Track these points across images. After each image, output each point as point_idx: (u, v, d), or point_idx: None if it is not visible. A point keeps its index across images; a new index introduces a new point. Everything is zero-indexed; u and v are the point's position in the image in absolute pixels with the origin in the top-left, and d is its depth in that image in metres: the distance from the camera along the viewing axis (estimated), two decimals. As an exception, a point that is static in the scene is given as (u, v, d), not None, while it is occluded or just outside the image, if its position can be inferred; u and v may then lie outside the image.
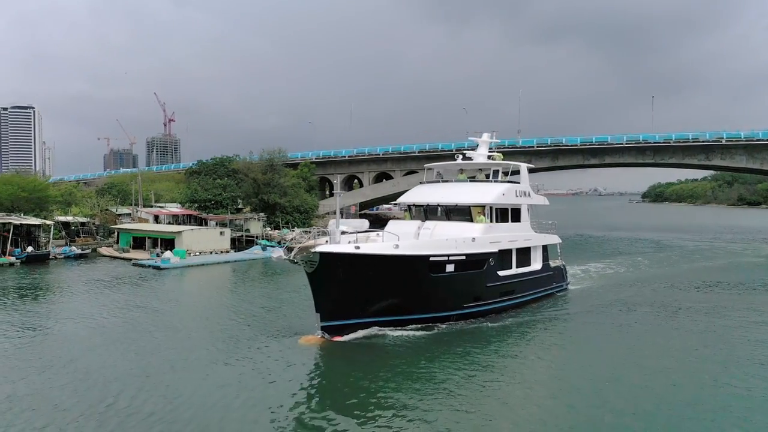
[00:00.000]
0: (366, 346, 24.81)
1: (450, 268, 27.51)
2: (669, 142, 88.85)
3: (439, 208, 32.33)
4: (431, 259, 26.71)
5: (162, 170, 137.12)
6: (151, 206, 79.83)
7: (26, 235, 57.77)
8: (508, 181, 34.93)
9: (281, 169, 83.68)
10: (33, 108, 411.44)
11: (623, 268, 51.59)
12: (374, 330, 26.16)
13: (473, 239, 29.05)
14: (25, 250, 54.46)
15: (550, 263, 37.08)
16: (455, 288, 28.19)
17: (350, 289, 24.93)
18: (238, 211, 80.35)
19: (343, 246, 24.94)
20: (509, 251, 32.16)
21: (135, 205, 78.97)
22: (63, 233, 64.13)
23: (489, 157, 37.29)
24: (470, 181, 35.62)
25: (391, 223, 34.13)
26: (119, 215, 74.21)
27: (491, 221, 31.52)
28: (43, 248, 56.79)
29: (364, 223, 32.48)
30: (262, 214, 77.19)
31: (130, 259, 54.96)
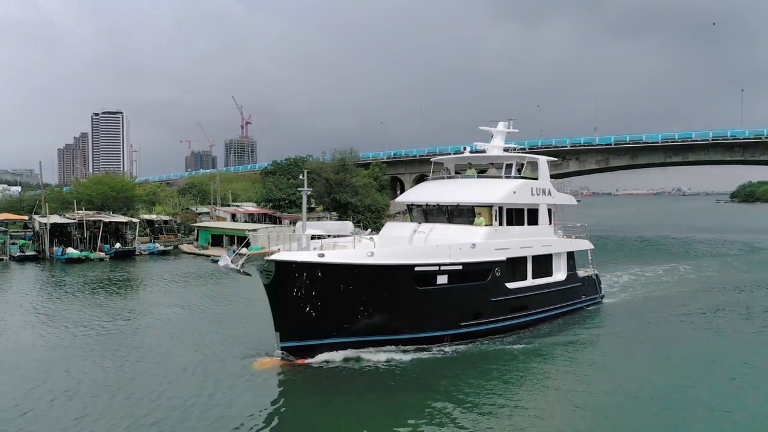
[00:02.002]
0: (336, 372, 20.84)
1: (442, 279, 23.09)
2: (760, 138, 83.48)
3: (439, 209, 27.77)
4: (417, 269, 22.38)
5: (239, 171, 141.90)
6: (229, 205, 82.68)
7: (114, 232, 61.20)
8: (523, 177, 29.35)
9: (353, 169, 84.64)
10: (121, 113, 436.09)
11: (689, 275, 45.70)
12: (350, 352, 21.99)
13: (473, 245, 24.27)
14: (113, 246, 57.60)
15: (578, 273, 31.43)
16: (449, 303, 23.66)
17: (315, 304, 21.13)
18: (311, 210, 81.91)
19: (304, 253, 21.16)
20: (522, 259, 27.11)
21: (213, 204, 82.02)
22: (147, 231, 67.43)
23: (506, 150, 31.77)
24: (478, 177, 30.27)
25: (388, 225, 30.12)
26: (199, 214, 77.26)
27: (499, 224, 26.61)
28: (130, 245, 59.87)
29: (347, 226, 28.57)
30: (334, 213, 78.33)
31: (209, 256, 57.04)
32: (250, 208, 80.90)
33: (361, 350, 22.15)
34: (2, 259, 54.07)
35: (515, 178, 29.02)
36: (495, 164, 31.33)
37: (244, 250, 23.57)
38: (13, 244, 56.75)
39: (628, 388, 19.39)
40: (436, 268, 22.93)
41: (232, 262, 21.47)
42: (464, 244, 24.12)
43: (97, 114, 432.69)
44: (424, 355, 22.62)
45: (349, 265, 21.27)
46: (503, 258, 25.49)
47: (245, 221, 73.33)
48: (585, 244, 33.06)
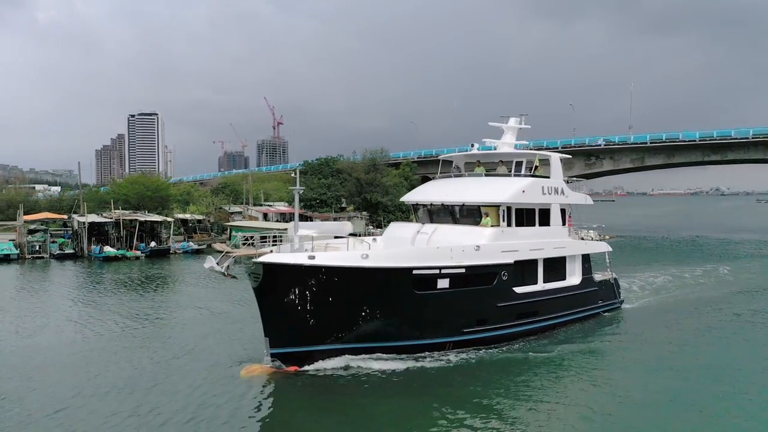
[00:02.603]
0: (328, 380, 19.81)
1: (443, 283, 21.94)
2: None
3: (444, 209, 26.55)
4: (415, 272, 21.29)
5: (271, 171, 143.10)
6: (261, 205, 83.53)
7: (150, 231, 62.38)
8: (533, 176, 27.70)
9: (383, 169, 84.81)
10: (156, 114, 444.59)
11: (728, 276, 43.69)
12: (344, 360, 20.92)
13: (477, 247, 23.08)
14: (149, 245, 58.72)
15: (595, 276, 29.87)
16: (451, 309, 22.45)
17: (307, 309, 20.22)
18: (342, 210, 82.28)
19: (293, 255, 20.18)
20: (532, 262, 25.76)
21: (246, 203, 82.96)
22: (182, 230, 68.57)
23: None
24: (486, 175, 28.60)
25: (392, 225, 29.24)
26: (231, 213, 78.24)
27: (507, 224, 25.24)
28: (165, 243, 60.96)
29: (344, 226, 27.20)
30: (364, 212, 78.56)
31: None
32: (282, 207, 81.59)
33: (357, 357, 21.06)
34: (43, 257, 55.60)
35: (525, 176, 27.50)
36: (505, 162, 29.42)
37: (239, 249, 22.26)
38: (54, 242, 58.33)
39: (642, 401, 18.03)
40: (437, 271, 21.81)
41: (218, 263, 20.45)
42: (467, 246, 22.94)
43: (133, 115, 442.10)
44: (425, 363, 21.48)
45: (341, 268, 20.19)
46: (510, 261, 24.17)
47: (277, 220, 73.97)
48: (602, 246, 31.70)
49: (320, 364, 20.68)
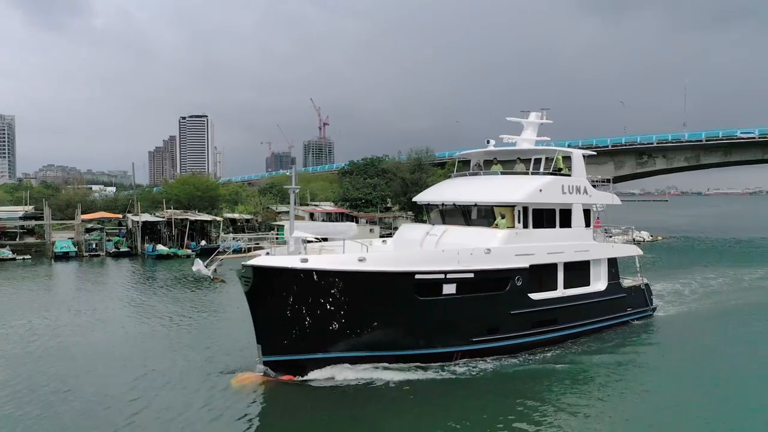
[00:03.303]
0: (324, 391, 18.75)
1: (449, 289, 20.64)
2: None
3: (456, 209, 25.04)
4: (417, 277, 20.01)
5: (317, 171, 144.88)
6: (307, 205, 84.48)
7: (200, 230, 63.99)
8: (552, 173, 25.69)
9: (429, 168, 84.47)
10: (206, 116, 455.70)
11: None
12: (342, 369, 19.73)
13: (487, 251, 21.61)
14: (199, 243, 60.22)
15: (623, 282, 28.06)
16: (458, 316, 21.13)
17: (301, 315, 19.23)
18: (387, 209, 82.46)
19: (285, 258, 19.25)
20: (551, 267, 24.07)
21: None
22: (230, 229, 70.00)
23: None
24: (502, 173, 26.86)
25: (403, 226, 27.90)
26: (278, 213, 79.38)
27: (524, 226, 23.63)
28: (214, 242, 62.38)
29: (350, 228, 25.59)
30: (410, 212, 78.50)
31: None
32: (328, 207, 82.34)
33: (356, 367, 19.90)
34: (99, 255, 57.72)
35: (544, 174, 25.54)
36: (523, 160, 27.54)
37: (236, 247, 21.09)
38: (109, 240, 60.54)
39: (671, 421, 16.66)
40: (442, 276, 20.45)
41: (206, 266, 19.65)
42: (476, 249, 21.48)
43: (184, 118, 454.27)
44: (430, 373, 20.20)
45: (335, 272, 19.03)
46: (525, 265, 22.54)
47: (323, 220, 74.69)
48: (631, 250, 29.47)
49: (316, 374, 19.61)
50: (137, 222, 60.41)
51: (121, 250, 58.98)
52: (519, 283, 22.43)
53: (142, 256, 57.52)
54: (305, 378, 19.54)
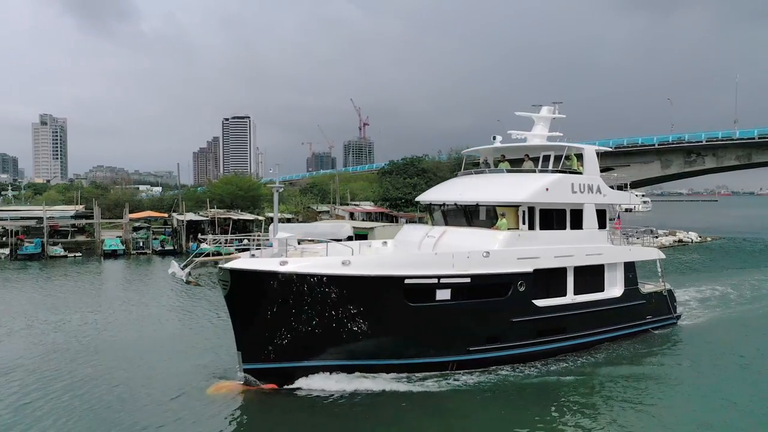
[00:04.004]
0: (308, 401, 17.80)
1: (443, 294, 19.37)
2: None
3: (458, 210, 23.69)
4: (407, 282, 18.81)
5: (357, 171, 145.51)
6: (348, 204, 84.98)
7: (242, 228, 65.02)
8: (561, 171, 24.08)
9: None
10: (249, 117, 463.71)
11: None
12: (330, 378, 18.77)
13: (486, 254, 20.24)
14: (241, 242, 61.14)
15: (642, 288, 26.22)
16: (453, 324, 19.83)
17: (281, 321, 18.26)
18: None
19: (263, 261, 18.29)
20: (559, 271, 22.47)
21: (333, 203, 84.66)
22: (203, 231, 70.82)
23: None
24: (508, 171, 25.14)
25: (405, 227, 26.59)
26: (319, 212, 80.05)
27: (529, 227, 22.21)
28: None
29: (343, 228, 24.22)
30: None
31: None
32: (368, 206, 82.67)
33: (343, 376, 18.88)
34: (146, 253, 59.35)
35: (553, 172, 23.95)
36: (533, 157, 25.94)
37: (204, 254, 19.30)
38: (155, 239, 62.19)
39: None
40: (434, 280, 19.21)
41: (182, 268, 18.61)
42: (474, 252, 20.13)
43: (227, 119, 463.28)
44: (422, 384, 18.97)
45: (315, 275, 17.97)
46: (529, 269, 21.10)
47: (363, 220, 74.98)
48: (652, 253, 27.33)
49: (299, 383, 18.66)
50: (182, 221, 61.87)
51: (166, 248, 60.49)
52: (522, 289, 20.96)
53: (187, 254, 58.80)
54: (288, 387, 18.57)
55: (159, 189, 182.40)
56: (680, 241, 73.68)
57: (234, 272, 17.63)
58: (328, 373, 18.92)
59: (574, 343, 22.67)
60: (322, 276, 18.06)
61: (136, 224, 64.50)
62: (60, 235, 61.84)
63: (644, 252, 27.00)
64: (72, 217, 65.59)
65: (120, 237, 61.21)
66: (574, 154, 25.06)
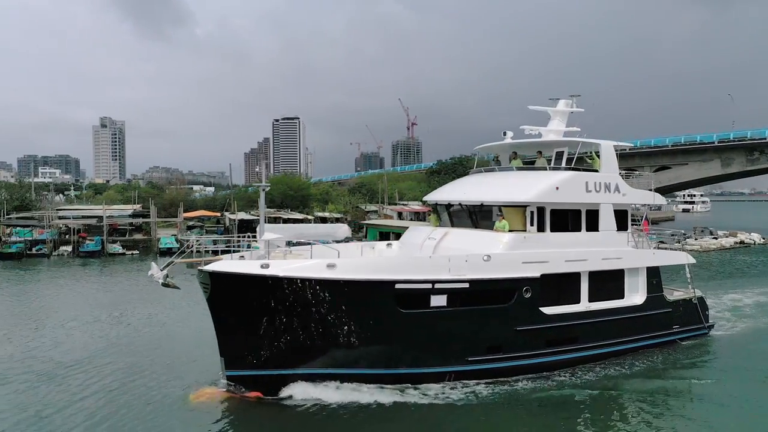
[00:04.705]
0: (291, 411, 16.92)
1: (438, 300, 18.16)
2: None
3: (462, 210, 22.54)
4: (398, 287, 17.68)
5: (405, 170, 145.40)
6: (396, 204, 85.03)
7: (292, 228, 66.06)
8: (574, 169, 22.48)
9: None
10: (298, 118, 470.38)
11: None
12: (318, 387, 17.75)
13: (486, 257, 18.94)
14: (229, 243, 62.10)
15: (668, 295, 24.40)
16: (450, 332, 18.57)
17: (264, 326, 17.44)
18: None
19: (244, 263, 17.45)
20: (571, 276, 20.95)
21: (381, 202, 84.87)
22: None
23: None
24: (518, 169, 23.64)
25: (410, 228, 25.32)
26: (367, 212, 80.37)
27: (539, 229, 20.73)
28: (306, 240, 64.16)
29: (339, 230, 23.07)
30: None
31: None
32: (416, 206, 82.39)
33: (330, 385, 17.88)
34: (200, 251, 60.80)
35: (566, 169, 22.41)
36: (546, 153, 24.54)
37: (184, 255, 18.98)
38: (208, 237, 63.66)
39: None
40: (428, 285, 17.98)
41: (162, 270, 17.70)
42: (473, 256, 18.85)
43: (277, 120, 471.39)
44: (418, 396, 17.83)
45: (298, 279, 16.98)
46: (536, 274, 19.68)
47: (411, 219, 74.88)
48: (679, 257, 25.42)
49: (286, 392, 17.80)
50: (234, 220, 63.21)
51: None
52: (527, 295, 19.53)
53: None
54: (273, 395, 17.73)
55: (212, 189, 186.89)
56: (742, 242, 70.87)
57: (213, 275, 16.88)
58: (316, 381, 17.92)
59: (588, 354, 21.13)
60: (303, 280, 17.03)
61: (190, 223, 66.39)
62: (119, 233, 64.16)
63: (670, 256, 25.09)
64: (130, 216, 67.97)
65: (175, 235, 63.01)
66: (594, 152, 23.50)
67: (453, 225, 22.76)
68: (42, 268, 50.38)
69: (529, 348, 19.85)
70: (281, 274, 16.95)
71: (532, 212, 20.75)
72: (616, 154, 23.60)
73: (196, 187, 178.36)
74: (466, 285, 18.48)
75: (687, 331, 24.55)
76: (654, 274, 23.45)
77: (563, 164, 22.93)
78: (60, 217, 65.58)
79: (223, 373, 18.14)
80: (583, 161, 23.59)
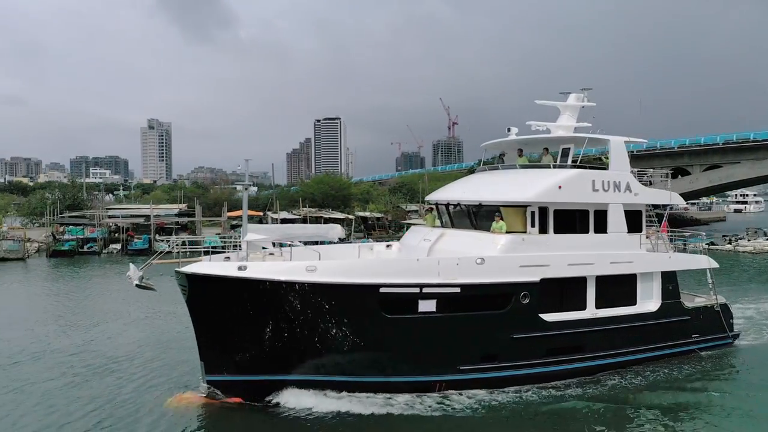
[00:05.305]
0: (272, 418, 16.30)
1: (427, 306, 17.13)
2: None
3: (461, 210, 21.46)
4: (383, 291, 16.74)
5: (446, 170, 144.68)
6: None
7: (333, 227, 66.54)
8: (579, 166, 21.22)
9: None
10: (339, 119, 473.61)
11: None
12: (301, 394, 17.02)
13: (480, 260, 17.79)
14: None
15: (687, 302, 22.68)
16: (440, 339, 17.50)
17: (244, 330, 16.79)
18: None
19: (221, 265, 16.80)
20: (576, 281, 19.59)
21: (422, 202, 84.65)
22: (362, 227, 72.05)
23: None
24: (522, 167, 22.63)
25: (411, 229, 24.23)
26: (408, 212, 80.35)
27: (540, 230, 19.47)
28: (347, 240, 64.46)
29: (332, 230, 21.99)
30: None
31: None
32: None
33: (315, 392, 17.12)
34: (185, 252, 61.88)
35: (572, 167, 21.18)
36: (553, 150, 23.15)
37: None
38: (251, 236, 64.64)
39: None
40: (416, 290, 17.02)
41: (131, 275, 16.86)
42: (465, 259, 17.79)
43: (318, 120, 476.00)
44: (406, 406, 16.79)
45: (274, 282, 16.17)
46: (535, 279, 18.46)
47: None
48: (699, 261, 23.40)
49: (268, 399, 17.15)
50: (276, 219, 64.02)
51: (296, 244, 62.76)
52: (526, 301, 18.35)
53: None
54: (254, 402, 17.09)
55: (255, 189, 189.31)
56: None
57: (188, 277, 16.31)
58: (299, 388, 17.21)
59: (594, 364, 19.79)
60: (281, 283, 16.23)
61: (234, 222, 67.50)
62: (165, 231, 65.76)
63: (689, 260, 23.24)
64: (176, 215, 69.69)
65: (219, 234, 64.18)
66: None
67: (454, 226, 21.74)
68: (93, 265, 52.09)
69: (528, 357, 18.66)
70: (256, 276, 16.20)
71: (533, 213, 19.53)
72: (630, 152, 22.22)
73: (239, 187, 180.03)
74: (457, 290, 17.46)
75: (707, 341, 22.86)
76: (670, 279, 21.89)
77: (569, 161, 21.74)
78: (110, 216, 67.79)
79: (204, 377, 17.50)
80: (600, 162, 22.46)
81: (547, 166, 21.74)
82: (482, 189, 21.30)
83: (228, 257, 18.55)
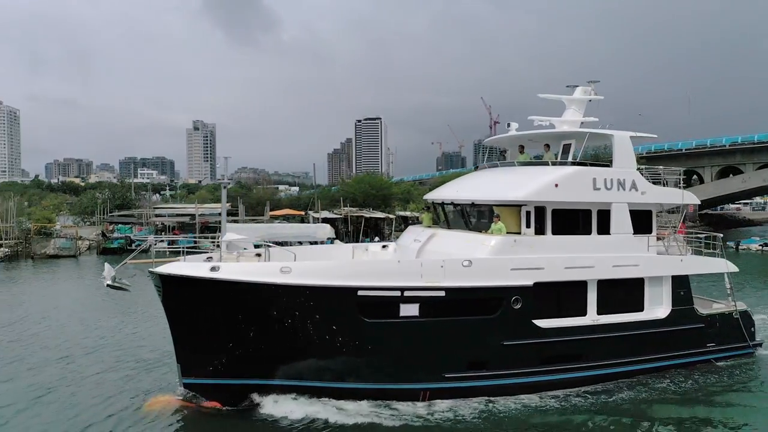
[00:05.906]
0: (251, 424, 15.83)
1: (409, 310, 16.36)
2: None
3: (456, 209, 20.60)
4: (361, 294, 16.06)
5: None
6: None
7: (374, 226, 66.78)
8: (579, 163, 20.13)
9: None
10: (380, 119, 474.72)
11: None
12: (280, 399, 16.51)
13: (467, 263, 16.92)
14: (373, 239, 62.69)
15: (701, 308, 21.13)
16: (424, 345, 16.68)
17: (220, 332, 16.30)
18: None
19: (194, 266, 16.29)
20: (574, 285, 18.46)
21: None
22: (402, 226, 71.96)
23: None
24: (519, 164, 21.53)
25: (408, 229, 23.26)
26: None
27: (537, 231, 18.40)
28: (387, 238, 64.59)
29: (320, 230, 20.13)
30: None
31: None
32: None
33: (296, 398, 16.58)
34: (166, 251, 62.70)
35: (573, 164, 20.05)
36: (553, 146, 22.15)
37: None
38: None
39: None
40: (397, 293, 16.25)
41: (105, 274, 16.40)
42: (450, 261, 16.91)
43: (359, 120, 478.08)
44: (385, 416, 16.02)
45: (246, 283, 15.67)
46: (528, 283, 17.44)
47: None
48: (715, 264, 21.86)
49: (247, 402, 16.73)
50: (318, 218, 64.62)
51: (303, 244, 63.49)
52: (517, 306, 17.36)
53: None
54: (231, 406, 16.64)
55: (296, 188, 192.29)
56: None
57: (162, 277, 16.00)
58: (276, 393, 16.72)
59: (595, 373, 18.59)
60: (253, 284, 15.75)
61: (276, 221, 68.42)
62: (209, 230, 67.02)
63: (703, 264, 21.58)
64: (220, 214, 70.86)
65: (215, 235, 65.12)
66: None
67: (450, 226, 20.85)
68: (140, 262, 53.46)
69: (521, 365, 17.63)
70: (227, 277, 15.70)
71: (528, 212, 18.51)
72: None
73: (281, 187, 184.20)
74: (442, 293, 16.64)
75: (725, 350, 21.33)
76: (682, 284, 20.45)
77: (570, 157, 20.64)
78: (156, 215, 69.61)
79: (180, 380, 17.17)
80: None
81: (546, 164, 20.59)
82: (477, 188, 20.53)
83: (210, 257, 18.11)
